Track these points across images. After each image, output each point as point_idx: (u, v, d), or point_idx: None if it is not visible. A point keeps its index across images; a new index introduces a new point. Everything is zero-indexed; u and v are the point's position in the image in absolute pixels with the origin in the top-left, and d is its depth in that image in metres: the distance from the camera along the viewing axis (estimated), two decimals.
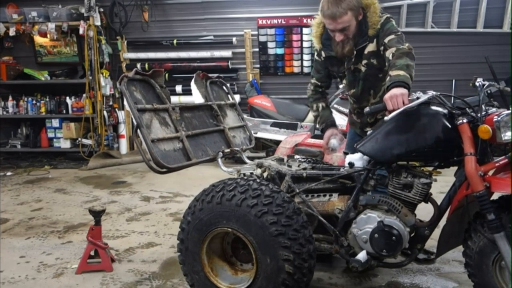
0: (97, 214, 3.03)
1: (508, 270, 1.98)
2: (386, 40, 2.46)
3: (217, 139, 3.03)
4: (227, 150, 2.95)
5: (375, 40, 2.55)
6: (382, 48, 2.50)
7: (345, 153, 2.76)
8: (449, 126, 2.12)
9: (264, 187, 2.28)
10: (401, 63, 2.27)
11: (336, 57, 2.69)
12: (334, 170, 2.55)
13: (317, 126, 2.93)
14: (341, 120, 5.00)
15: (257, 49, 7.23)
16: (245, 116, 3.55)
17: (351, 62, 2.66)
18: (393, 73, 2.23)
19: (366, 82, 2.69)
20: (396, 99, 2.08)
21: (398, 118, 2.15)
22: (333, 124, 2.87)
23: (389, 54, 2.39)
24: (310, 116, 6.04)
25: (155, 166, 2.52)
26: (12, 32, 6.99)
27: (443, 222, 2.25)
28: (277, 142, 5.78)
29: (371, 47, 2.57)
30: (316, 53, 2.84)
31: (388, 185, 2.33)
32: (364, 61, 2.62)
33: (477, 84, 2.15)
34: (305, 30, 6.94)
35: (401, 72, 2.21)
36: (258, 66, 7.27)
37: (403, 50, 2.35)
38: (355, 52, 2.60)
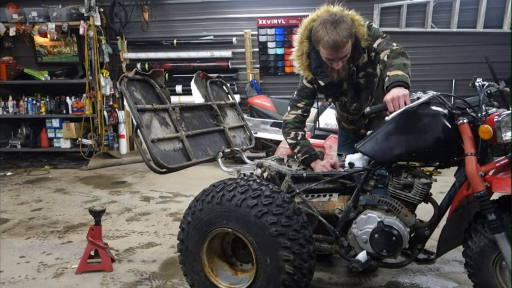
0: (97, 214, 3.03)
1: (509, 270, 1.98)
2: (375, 45, 2.45)
3: (217, 139, 3.03)
4: (227, 150, 2.95)
5: (366, 50, 2.52)
6: (373, 54, 2.49)
7: (339, 155, 2.76)
8: (450, 126, 2.12)
9: (264, 187, 2.28)
10: (398, 62, 2.25)
11: (333, 81, 2.60)
12: (334, 170, 2.55)
13: (297, 155, 2.72)
14: None
15: (257, 49, 7.23)
16: (245, 116, 3.55)
17: (352, 80, 2.60)
18: (391, 73, 2.22)
19: (367, 91, 2.67)
20: (398, 100, 2.08)
21: (398, 118, 2.14)
22: (317, 156, 2.69)
23: (383, 56, 2.37)
24: (310, 116, 6.02)
25: (155, 166, 2.52)
26: (12, 32, 7.00)
27: (443, 222, 2.25)
28: (277, 142, 5.79)
29: (365, 58, 2.55)
30: (305, 81, 2.68)
31: (388, 185, 2.33)
32: (362, 73, 2.59)
33: (476, 84, 2.15)
34: None
35: (399, 72, 2.19)
36: (258, 66, 7.27)
37: (397, 51, 2.34)
38: (355, 70, 2.55)
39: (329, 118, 5.88)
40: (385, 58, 2.35)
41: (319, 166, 2.62)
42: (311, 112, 2.84)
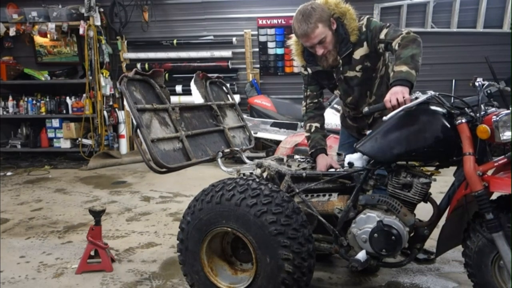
0: (97, 214, 3.04)
1: (507, 269, 1.98)
2: (381, 36, 2.41)
3: (217, 139, 3.04)
4: (227, 150, 2.95)
5: (365, 44, 2.50)
6: (382, 46, 2.43)
7: (339, 154, 2.77)
8: (448, 126, 2.12)
9: (263, 187, 2.28)
10: (406, 54, 2.22)
11: (323, 71, 2.63)
12: (333, 170, 2.55)
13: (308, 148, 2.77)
14: (338, 120, 4.99)
15: (257, 49, 7.23)
16: (245, 116, 3.56)
17: (340, 72, 2.61)
18: (396, 68, 2.19)
19: (364, 86, 2.65)
20: (397, 95, 2.08)
21: (397, 117, 2.15)
22: (322, 150, 2.67)
23: (395, 44, 2.33)
24: None
25: (155, 166, 2.53)
26: (12, 32, 7.00)
27: (442, 221, 2.25)
28: (277, 142, 5.78)
29: (362, 51, 2.53)
30: (302, 69, 2.75)
31: (387, 185, 2.33)
32: (358, 66, 2.57)
33: (476, 84, 2.15)
34: None
35: (404, 68, 2.16)
36: (258, 66, 7.28)
37: (408, 38, 2.30)
38: (340, 62, 2.55)
39: (329, 118, 5.85)
40: (396, 47, 2.30)
41: (318, 163, 2.63)
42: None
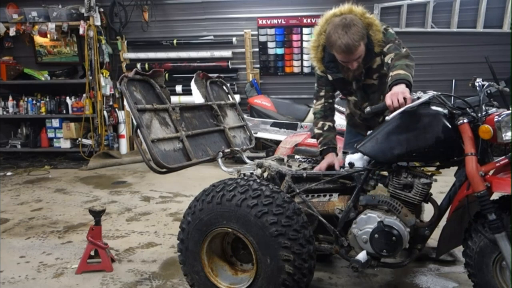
0: (97, 214, 3.03)
1: (509, 270, 1.98)
2: (385, 49, 2.48)
3: (217, 139, 3.03)
4: (227, 150, 2.95)
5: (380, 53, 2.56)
6: (383, 56, 2.52)
7: (345, 153, 2.77)
8: (450, 126, 2.12)
9: (264, 187, 2.28)
10: (400, 63, 2.30)
11: (342, 78, 2.65)
12: (334, 170, 2.55)
13: (318, 146, 2.75)
14: (341, 120, 4.99)
15: (257, 49, 7.23)
16: (245, 116, 3.55)
17: (361, 81, 2.64)
18: (393, 73, 2.25)
19: (379, 92, 2.71)
20: (397, 96, 2.09)
21: (398, 118, 2.15)
22: (334, 150, 2.69)
23: (388, 59, 2.42)
24: (310, 116, 6.04)
25: (155, 166, 2.53)
26: (12, 32, 6.99)
27: (443, 222, 2.25)
28: (277, 142, 5.78)
29: (378, 61, 2.58)
30: (319, 71, 2.74)
31: (388, 185, 2.33)
32: (376, 75, 2.63)
33: (476, 84, 2.16)
34: (305, 30, 6.94)
35: (401, 71, 2.23)
36: (258, 66, 7.27)
37: (401, 54, 2.38)
38: (363, 71, 2.58)
39: None
40: (389, 61, 2.38)
41: (322, 162, 2.63)
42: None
